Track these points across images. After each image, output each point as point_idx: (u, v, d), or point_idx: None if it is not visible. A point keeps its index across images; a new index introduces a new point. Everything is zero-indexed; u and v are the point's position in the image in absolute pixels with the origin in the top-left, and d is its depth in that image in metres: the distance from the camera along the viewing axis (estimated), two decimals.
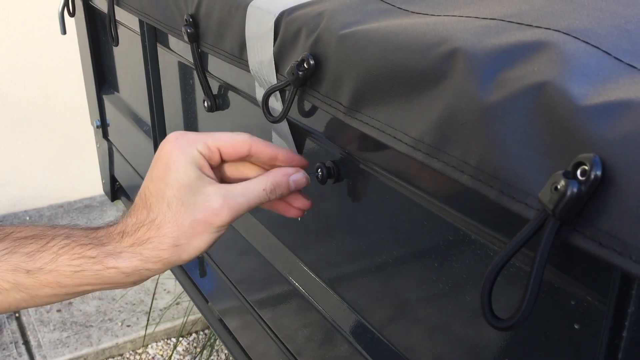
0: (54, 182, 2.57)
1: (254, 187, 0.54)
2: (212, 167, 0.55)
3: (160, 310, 2.03)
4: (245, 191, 0.53)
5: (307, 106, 0.65)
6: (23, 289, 0.50)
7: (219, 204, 0.51)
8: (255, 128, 0.81)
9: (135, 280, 0.52)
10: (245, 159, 0.58)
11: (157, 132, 1.17)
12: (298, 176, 0.57)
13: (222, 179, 0.58)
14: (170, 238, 0.50)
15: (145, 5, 0.94)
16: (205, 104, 0.88)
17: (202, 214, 0.51)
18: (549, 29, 0.40)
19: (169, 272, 1.82)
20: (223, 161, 0.56)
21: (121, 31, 1.20)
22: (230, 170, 0.58)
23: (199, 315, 1.96)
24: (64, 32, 1.38)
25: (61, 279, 0.50)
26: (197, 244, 0.51)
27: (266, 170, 0.58)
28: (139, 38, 1.11)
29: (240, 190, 0.53)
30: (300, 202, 0.60)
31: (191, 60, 0.84)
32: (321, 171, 0.62)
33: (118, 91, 1.42)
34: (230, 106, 0.87)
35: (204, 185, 0.52)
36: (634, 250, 0.29)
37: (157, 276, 2.15)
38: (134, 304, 2.06)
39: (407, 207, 0.55)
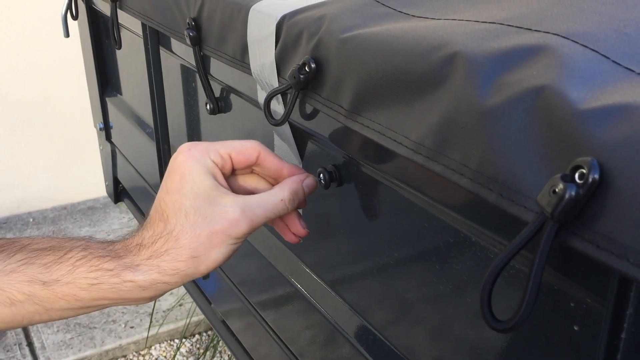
0: (57, 184, 2.58)
1: (271, 198, 0.53)
2: (225, 177, 0.55)
3: (164, 311, 2.03)
4: (262, 202, 0.52)
5: (309, 109, 0.65)
6: (38, 301, 0.49)
7: (237, 214, 0.50)
8: (257, 131, 0.81)
9: (152, 295, 0.51)
10: (253, 168, 0.57)
11: (160, 135, 1.17)
12: (309, 181, 0.57)
13: (232, 191, 0.58)
14: (188, 249, 0.49)
15: (148, 8, 0.95)
16: (208, 107, 0.89)
17: (219, 225, 0.50)
18: (548, 32, 0.41)
19: None
20: (233, 169, 0.56)
21: (124, 34, 1.20)
22: (236, 182, 0.58)
23: (202, 316, 1.96)
24: (67, 35, 1.39)
25: (77, 291, 0.49)
26: (215, 255, 0.50)
27: (270, 184, 0.58)
28: (141, 41, 1.11)
29: (257, 201, 0.52)
30: (297, 229, 0.59)
31: (193, 63, 0.84)
32: (323, 176, 0.63)
33: (121, 94, 1.43)
34: (232, 109, 0.87)
35: (220, 195, 0.51)
36: (632, 252, 0.29)
37: None
38: (137, 306, 2.06)
39: (408, 210, 0.55)
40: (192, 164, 0.52)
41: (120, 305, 0.53)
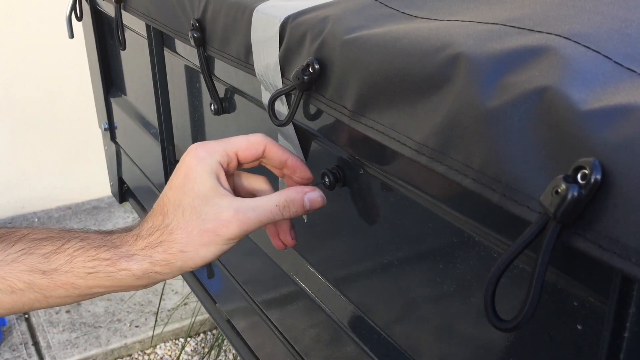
0: (62, 184, 2.59)
1: (267, 203, 0.54)
2: (229, 175, 0.56)
3: (169, 310, 2.04)
4: (257, 206, 0.53)
5: (313, 110, 0.66)
6: (38, 290, 0.51)
7: (230, 215, 0.51)
8: (261, 131, 0.81)
9: (146, 283, 0.53)
10: (260, 160, 0.59)
11: (164, 135, 1.18)
12: (314, 195, 0.56)
13: (234, 189, 0.59)
14: (179, 244, 0.51)
15: (152, 10, 0.95)
16: (212, 107, 0.89)
17: (211, 224, 0.51)
18: (550, 33, 0.41)
19: None
20: (240, 164, 0.57)
21: (128, 35, 1.21)
22: (241, 181, 0.59)
23: (207, 315, 1.97)
24: (71, 36, 1.40)
25: (75, 280, 0.51)
26: (203, 253, 0.52)
27: (271, 183, 0.59)
28: (145, 42, 1.12)
29: (253, 204, 0.53)
30: (286, 238, 0.60)
31: (198, 64, 0.85)
32: (328, 178, 0.63)
33: (125, 94, 1.43)
34: (236, 109, 0.88)
35: (218, 196, 0.52)
36: (633, 252, 0.29)
37: None
38: (142, 305, 2.07)
39: (411, 210, 0.55)
40: (197, 163, 0.53)
41: (116, 292, 0.55)
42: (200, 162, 0.53)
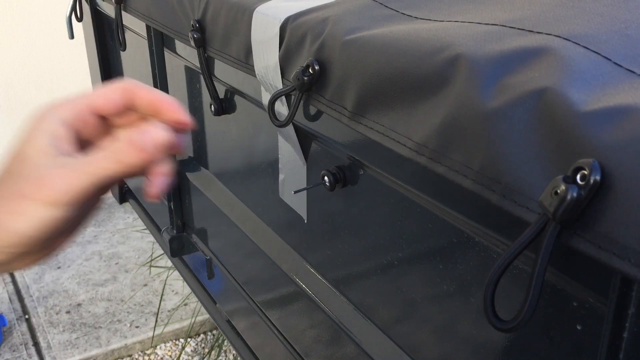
0: None
1: (100, 152, 0.42)
2: (98, 133, 0.46)
3: (169, 311, 2.04)
4: (89, 160, 0.42)
5: (313, 111, 0.66)
6: None
7: (52, 173, 0.41)
8: (261, 131, 0.82)
9: None
10: (132, 109, 0.47)
11: None
12: (154, 132, 0.42)
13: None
14: None
15: (152, 10, 0.95)
16: (212, 108, 0.89)
17: (25, 187, 0.40)
18: (550, 34, 0.41)
19: (177, 273, 1.84)
20: (106, 118, 0.47)
21: (128, 36, 1.21)
22: (121, 133, 0.47)
23: (207, 316, 1.97)
24: (71, 36, 1.40)
25: None
26: (10, 224, 0.40)
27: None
28: (146, 43, 1.12)
29: (86, 158, 0.42)
30: (152, 187, 0.45)
31: (198, 64, 0.85)
32: (328, 178, 0.63)
33: None
34: (236, 110, 0.88)
35: (46, 156, 0.42)
36: (633, 253, 0.30)
37: (165, 277, 2.17)
38: (142, 305, 2.07)
39: (411, 211, 0.55)
40: (34, 125, 0.44)
41: None
42: (39, 122, 0.44)
